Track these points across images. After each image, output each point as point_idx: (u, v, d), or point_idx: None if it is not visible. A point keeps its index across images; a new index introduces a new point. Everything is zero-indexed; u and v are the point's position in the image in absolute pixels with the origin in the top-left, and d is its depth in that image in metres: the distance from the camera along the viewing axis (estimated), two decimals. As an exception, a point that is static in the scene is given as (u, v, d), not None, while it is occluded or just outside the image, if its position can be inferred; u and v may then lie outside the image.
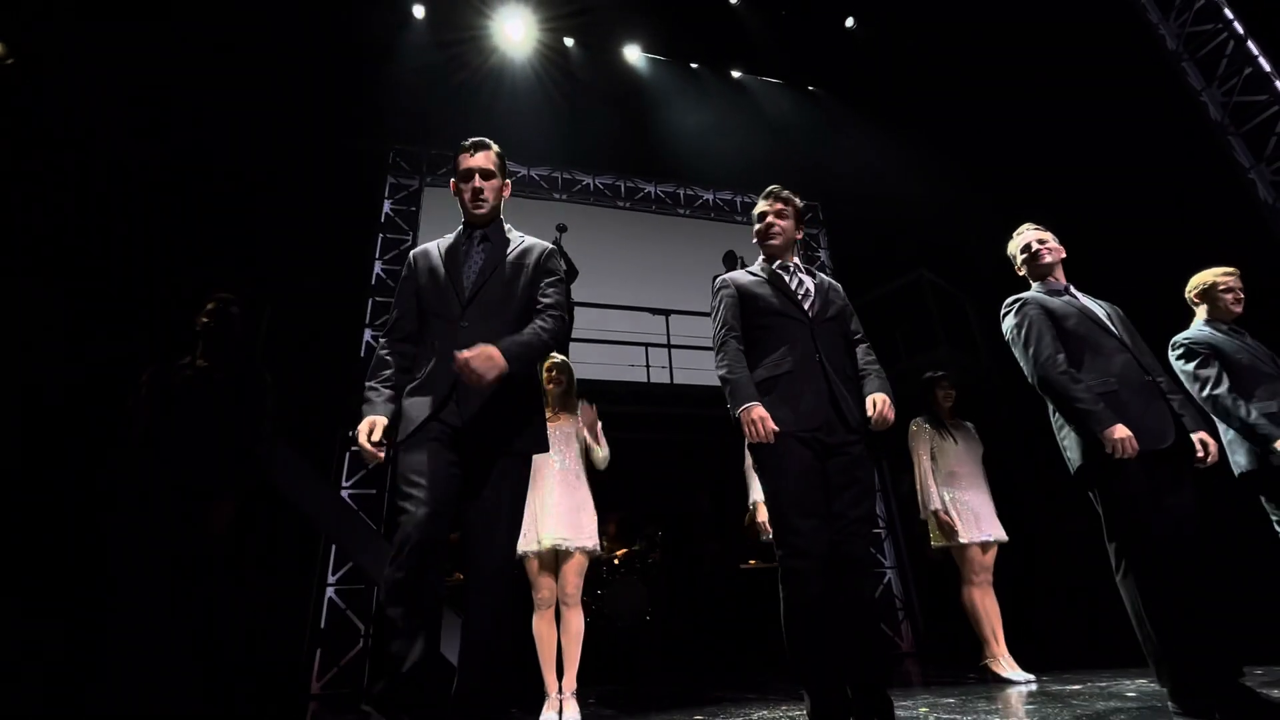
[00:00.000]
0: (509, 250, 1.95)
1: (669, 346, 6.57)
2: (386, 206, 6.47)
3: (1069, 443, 2.16)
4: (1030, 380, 2.22)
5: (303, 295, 4.85)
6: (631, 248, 7.17)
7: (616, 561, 5.26)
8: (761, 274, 2.22)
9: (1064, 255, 2.41)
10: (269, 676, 4.34)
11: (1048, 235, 2.43)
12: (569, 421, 3.01)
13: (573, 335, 6.10)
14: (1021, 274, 2.48)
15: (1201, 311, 2.79)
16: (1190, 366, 2.61)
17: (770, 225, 2.24)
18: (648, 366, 6.39)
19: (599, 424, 3.07)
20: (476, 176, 1.95)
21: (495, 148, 1.99)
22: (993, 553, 3.38)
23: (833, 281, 2.31)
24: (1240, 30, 5.52)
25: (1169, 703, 1.91)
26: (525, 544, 2.74)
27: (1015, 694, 2.77)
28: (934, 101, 6.71)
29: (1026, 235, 2.44)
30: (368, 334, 5.81)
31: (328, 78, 5.62)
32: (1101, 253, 3.77)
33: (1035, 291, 2.36)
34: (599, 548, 2.87)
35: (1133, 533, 1.97)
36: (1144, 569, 1.94)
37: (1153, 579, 1.93)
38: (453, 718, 1.63)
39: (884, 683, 1.90)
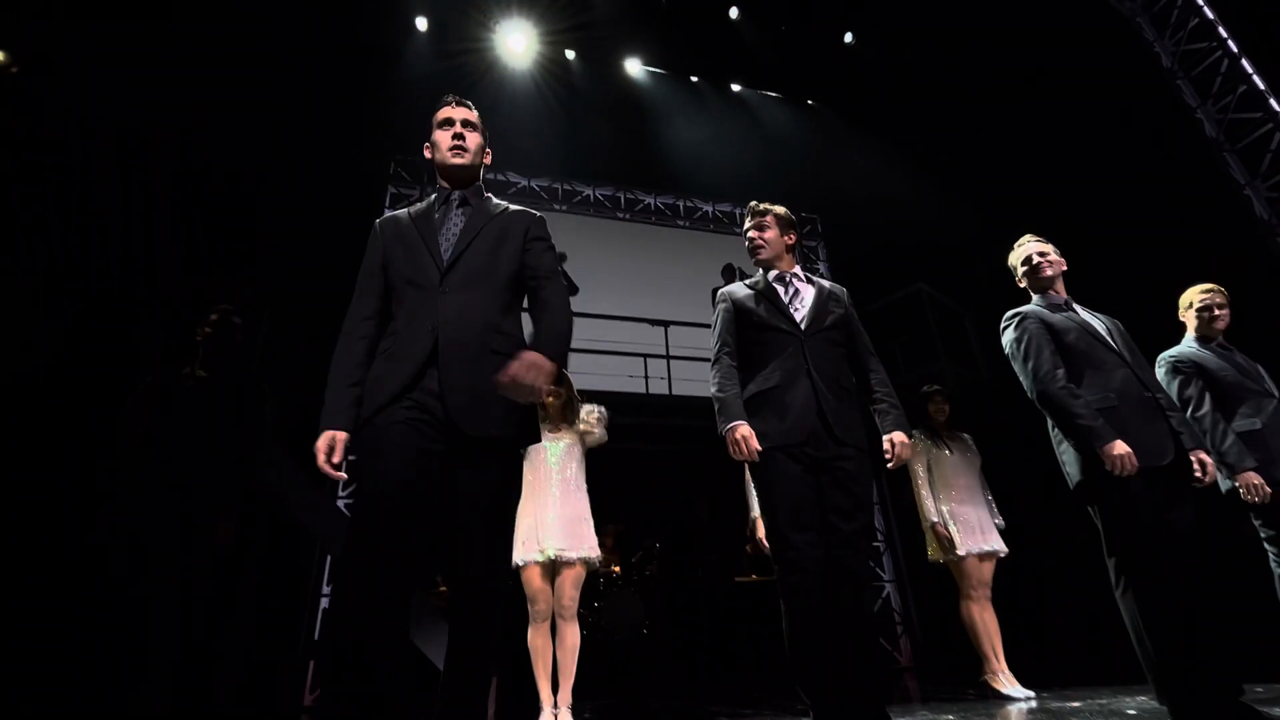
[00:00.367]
0: (492, 215, 1.74)
1: (668, 357, 6.57)
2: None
3: (1068, 458, 2.16)
4: (1030, 395, 2.23)
5: (303, 303, 4.85)
6: (631, 259, 7.19)
7: (614, 574, 5.23)
8: (757, 287, 2.24)
9: (1065, 268, 2.42)
10: (260, 687, 4.29)
11: (1048, 247, 2.44)
12: (570, 434, 3.00)
13: (571, 346, 6.10)
14: (1022, 286, 2.49)
15: (1190, 328, 2.81)
16: (1174, 386, 2.63)
17: (753, 240, 2.29)
18: (646, 377, 6.39)
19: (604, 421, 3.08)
20: (458, 124, 1.78)
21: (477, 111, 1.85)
22: (991, 567, 3.36)
23: (835, 288, 2.30)
24: (1234, 49, 5.59)
25: (1169, 720, 1.90)
26: (526, 553, 2.73)
27: (1015, 710, 2.75)
28: (932, 116, 6.76)
29: (1027, 247, 2.45)
30: (366, 343, 5.80)
31: (330, 87, 5.66)
32: (1100, 267, 3.79)
33: (1035, 305, 2.36)
34: (598, 559, 2.86)
35: (1132, 549, 1.96)
36: (1143, 585, 1.94)
37: (1152, 595, 1.92)
38: None
39: (882, 699, 1.89)
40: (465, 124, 1.79)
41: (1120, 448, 1.96)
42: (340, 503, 5.22)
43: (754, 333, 2.15)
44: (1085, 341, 2.21)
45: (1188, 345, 2.75)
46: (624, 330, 6.56)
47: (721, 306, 2.24)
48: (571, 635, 2.76)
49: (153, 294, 4.08)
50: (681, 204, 7.81)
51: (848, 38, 7.29)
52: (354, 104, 5.88)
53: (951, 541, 3.32)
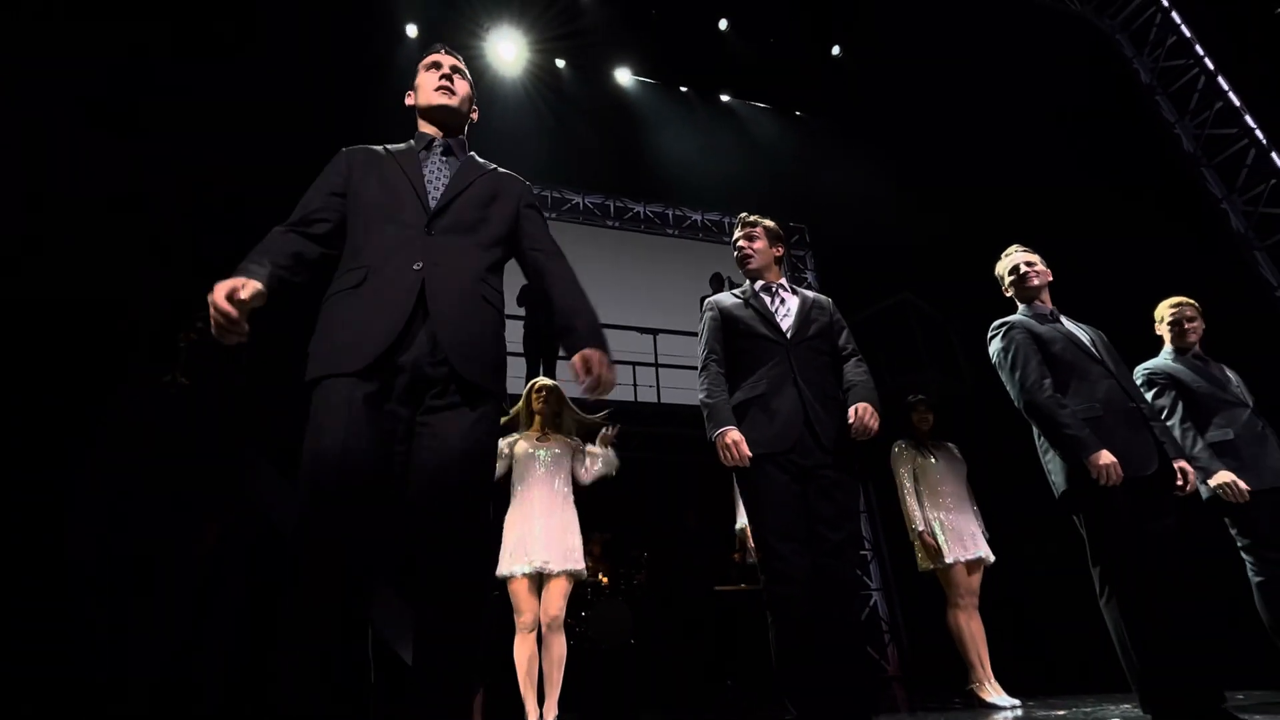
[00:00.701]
0: (484, 170, 1.62)
1: (656, 366, 6.58)
2: (376, 222, 6.44)
3: (1054, 467, 2.18)
4: (1017, 404, 2.25)
5: (290, 313, 4.81)
6: (620, 267, 7.20)
7: (601, 583, 5.19)
8: (744, 296, 2.26)
9: (1051, 279, 2.45)
10: (237, 692, 4.22)
11: (1035, 258, 2.47)
12: (559, 443, 2.99)
13: (559, 354, 6.09)
14: (1009, 295, 2.52)
15: (1166, 341, 2.86)
16: (1148, 397, 2.67)
17: (742, 250, 2.32)
18: (635, 385, 6.39)
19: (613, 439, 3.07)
20: (446, 67, 1.67)
21: None
22: (978, 575, 3.38)
23: (819, 297, 2.33)
24: (1210, 66, 5.73)
25: (1153, 728, 1.91)
26: (513, 565, 2.70)
27: (1001, 719, 2.76)
28: (918, 128, 6.85)
29: (1015, 257, 2.48)
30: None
31: (320, 93, 5.63)
32: (1081, 278, 3.85)
33: (1022, 315, 2.39)
34: (584, 571, 2.85)
35: (1116, 557, 1.98)
36: (1127, 594, 1.95)
37: (1136, 604, 1.94)
38: None
39: (869, 709, 1.89)
40: (454, 69, 1.68)
41: (1106, 458, 1.98)
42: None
43: (741, 341, 2.16)
44: (1071, 352, 2.24)
45: (1163, 358, 2.81)
46: (612, 338, 6.42)
47: (708, 315, 2.25)
48: (558, 646, 2.74)
49: (155, 300, 4.05)
50: (670, 212, 7.84)
51: (835, 50, 7.38)
52: (344, 111, 5.86)
53: (938, 550, 3.33)
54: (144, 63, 4.59)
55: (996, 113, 6.29)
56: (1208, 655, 1.94)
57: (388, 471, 1.29)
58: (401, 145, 1.64)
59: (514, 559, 2.71)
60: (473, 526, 1.32)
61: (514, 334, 5.72)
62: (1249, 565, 2.52)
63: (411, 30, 6.60)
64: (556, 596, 2.74)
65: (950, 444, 3.69)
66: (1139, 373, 2.75)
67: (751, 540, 2.93)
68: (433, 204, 1.49)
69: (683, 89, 7.82)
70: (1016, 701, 3.12)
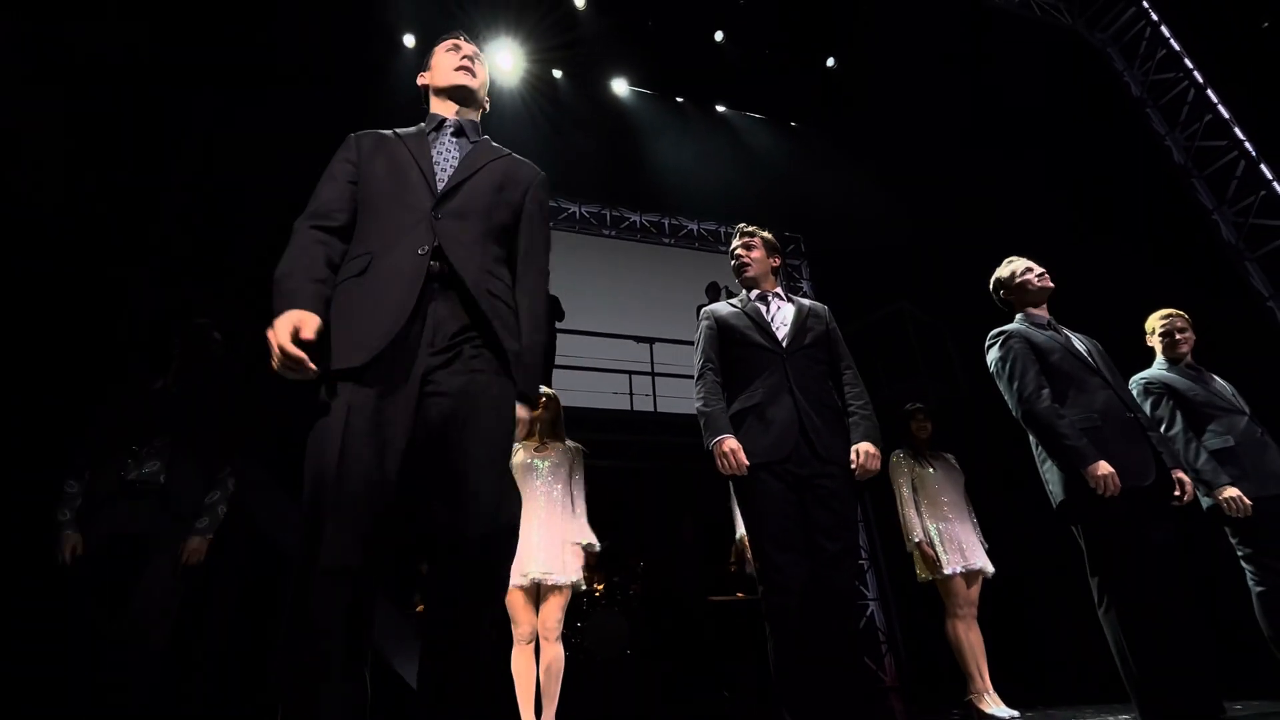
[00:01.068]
0: (498, 154, 1.57)
1: (653, 374, 6.57)
2: (373, 232, 6.44)
3: (1051, 477, 2.18)
4: (1015, 414, 2.25)
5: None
6: (616, 276, 7.21)
7: (597, 593, 5.16)
8: (740, 305, 2.27)
9: (1052, 287, 2.46)
10: (230, 700, 4.16)
11: (1037, 266, 2.49)
12: (557, 452, 2.97)
13: (556, 363, 6.08)
14: (1008, 300, 2.52)
15: (1158, 352, 2.88)
16: (1145, 407, 2.68)
17: (740, 258, 2.34)
18: (631, 394, 6.38)
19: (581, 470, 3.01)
20: (468, 50, 1.67)
21: None
22: (977, 586, 3.36)
23: (815, 305, 2.33)
24: (1200, 79, 5.79)
25: (1153, 739, 1.90)
26: (510, 576, 2.68)
27: (1000, 731, 2.74)
28: (913, 139, 6.91)
29: (1016, 263, 2.50)
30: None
31: (317, 103, 5.64)
32: (1074, 289, 3.87)
33: (1019, 324, 2.39)
34: (583, 582, 2.83)
35: (1115, 568, 1.98)
36: (1126, 603, 1.95)
37: (1134, 613, 1.94)
38: None
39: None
40: (475, 55, 1.68)
41: (1104, 468, 1.98)
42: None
43: (737, 350, 2.16)
44: (1069, 362, 2.24)
45: (1157, 368, 2.82)
46: (609, 347, 6.56)
47: (704, 324, 2.26)
48: (555, 657, 2.71)
49: (154, 304, 4.04)
50: (667, 222, 7.86)
51: (830, 61, 7.44)
52: (341, 121, 5.86)
53: (937, 560, 3.32)
54: (144, 62, 4.59)
55: (989, 124, 6.35)
56: (1207, 664, 1.94)
57: (390, 481, 1.23)
58: (411, 129, 1.60)
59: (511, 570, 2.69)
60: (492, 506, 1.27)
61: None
62: (1249, 574, 2.52)
63: (409, 40, 6.63)
64: (555, 608, 2.72)
65: (948, 454, 3.69)
66: (1134, 383, 2.76)
67: (747, 550, 2.93)
68: (440, 186, 1.45)
69: (679, 99, 7.86)
70: (1015, 713, 3.11)
